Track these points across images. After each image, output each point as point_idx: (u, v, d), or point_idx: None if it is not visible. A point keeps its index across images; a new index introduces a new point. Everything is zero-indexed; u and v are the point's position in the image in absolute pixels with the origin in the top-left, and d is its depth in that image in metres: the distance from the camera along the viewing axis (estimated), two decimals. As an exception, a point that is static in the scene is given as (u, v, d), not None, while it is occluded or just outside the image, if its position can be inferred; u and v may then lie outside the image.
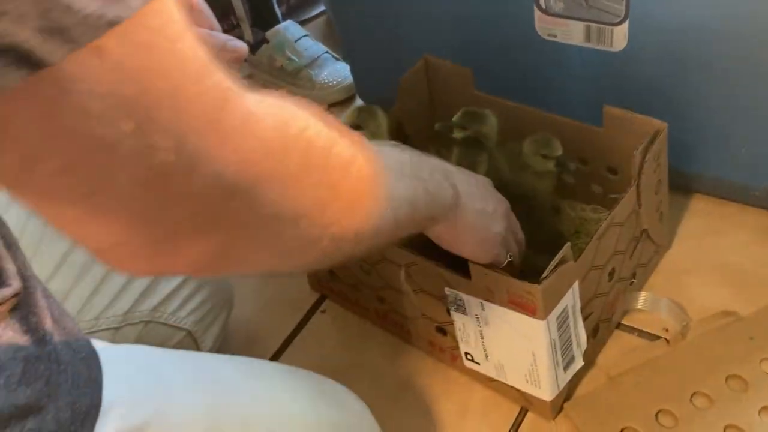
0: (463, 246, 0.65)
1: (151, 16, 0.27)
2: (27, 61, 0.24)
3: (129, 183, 0.29)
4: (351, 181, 0.41)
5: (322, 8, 1.50)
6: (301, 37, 1.31)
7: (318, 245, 0.40)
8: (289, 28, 1.31)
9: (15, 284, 0.41)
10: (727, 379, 0.76)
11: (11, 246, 0.44)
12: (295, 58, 1.29)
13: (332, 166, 0.39)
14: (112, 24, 0.25)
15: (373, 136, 0.91)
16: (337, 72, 1.28)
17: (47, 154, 0.27)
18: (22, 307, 0.42)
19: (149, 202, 0.31)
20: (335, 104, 1.28)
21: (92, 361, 0.45)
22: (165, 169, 0.29)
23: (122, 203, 0.30)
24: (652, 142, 0.78)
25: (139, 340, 0.70)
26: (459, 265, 0.71)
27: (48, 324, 0.43)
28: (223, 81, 0.31)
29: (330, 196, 0.39)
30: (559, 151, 0.84)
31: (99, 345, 0.48)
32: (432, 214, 0.58)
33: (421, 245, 0.87)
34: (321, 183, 0.39)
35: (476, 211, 0.62)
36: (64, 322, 0.45)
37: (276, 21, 1.33)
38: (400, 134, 0.99)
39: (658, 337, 0.83)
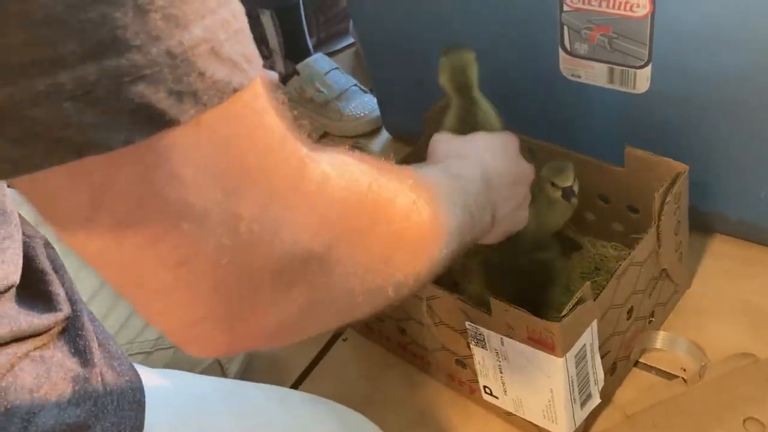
0: (494, 238, 0.67)
1: (245, 90, 0.28)
2: (158, 120, 0.25)
3: (215, 252, 0.29)
4: (413, 228, 0.41)
5: (351, 40, 1.54)
6: (330, 70, 1.34)
7: (382, 295, 0.40)
8: (318, 61, 1.35)
9: (65, 309, 0.43)
10: (744, 421, 0.76)
11: (59, 269, 0.46)
12: (324, 90, 1.32)
13: (397, 215, 0.40)
14: (236, 90, 0.27)
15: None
16: (365, 104, 1.31)
17: (140, 221, 0.27)
18: (71, 330, 0.43)
19: (233, 271, 0.30)
20: (362, 135, 1.31)
21: (135, 383, 0.47)
22: (250, 237, 0.30)
23: (208, 274, 0.30)
24: (672, 184, 0.79)
25: (169, 365, 0.72)
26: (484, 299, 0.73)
27: (94, 346, 0.44)
28: (300, 147, 0.32)
29: (395, 246, 0.40)
30: (568, 182, 0.83)
31: (138, 368, 0.49)
32: (475, 238, 0.58)
33: (443, 278, 0.89)
34: (387, 234, 0.39)
35: (511, 211, 0.64)
36: (108, 345, 0.47)
37: (307, 53, 1.37)
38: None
39: (676, 377, 0.83)
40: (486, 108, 0.85)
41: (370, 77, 1.26)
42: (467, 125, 0.82)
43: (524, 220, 0.72)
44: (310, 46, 1.39)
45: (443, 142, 0.70)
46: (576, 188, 0.84)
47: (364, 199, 0.37)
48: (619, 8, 0.83)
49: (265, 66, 0.52)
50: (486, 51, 1.00)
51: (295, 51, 1.37)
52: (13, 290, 0.41)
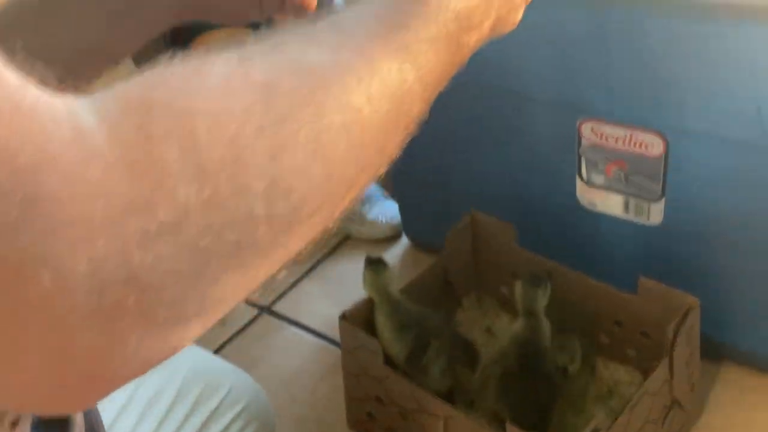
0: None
1: None
2: None
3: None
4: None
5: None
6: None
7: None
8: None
9: None
10: None
11: None
12: (348, 194, 1.38)
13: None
14: None
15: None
16: (387, 210, 1.36)
17: None
18: None
19: None
20: (381, 240, 1.35)
21: None
22: None
23: None
24: (684, 318, 0.82)
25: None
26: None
27: None
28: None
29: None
30: (574, 364, 0.90)
31: None
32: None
33: (460, 396, 0.92)
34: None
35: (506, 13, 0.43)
36: None
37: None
38: (443, 280, 1.06)
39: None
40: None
41: (393, 187, 1.31)
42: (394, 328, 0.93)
43: (515, 24, 0.48)
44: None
45: None
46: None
47: None
48: (634, 146, 0.88)
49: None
50: (507, 175, 1.05)
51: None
52: None
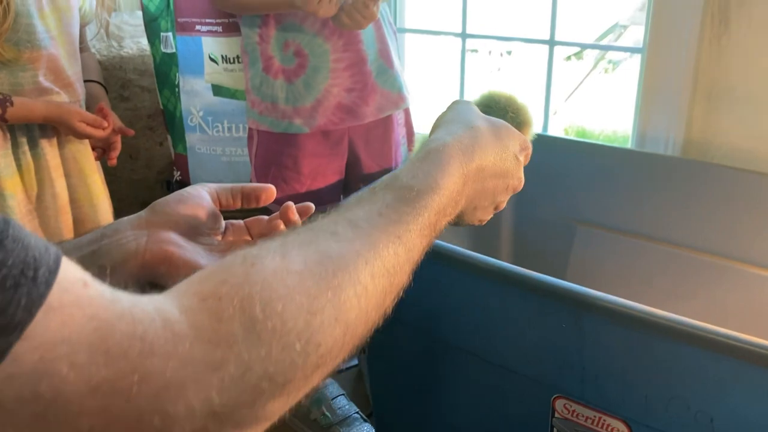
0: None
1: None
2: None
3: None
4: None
5: (355, 362, 1.70)
6: (337, 396, 1.48)
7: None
8: (328, 386, 1.49)
9: None
10: None
11: None
12: (328, 414, 1.45)
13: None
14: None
15: None
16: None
17: None
18: None
19: None
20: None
21: None
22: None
23: None
24: None
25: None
26: None
27: None
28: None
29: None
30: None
31: None
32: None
33: None
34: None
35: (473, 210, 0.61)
36: None
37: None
38: None
39: None
40: None
41: (373, 404, 1.39)
42: None
43: (481, 222, 0.64)
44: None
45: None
46: None
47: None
48: (601, 427, 0.99)
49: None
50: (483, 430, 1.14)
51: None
52: None
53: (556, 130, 5.62)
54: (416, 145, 0.65)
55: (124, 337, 0.34)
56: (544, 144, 1.60)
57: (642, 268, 1.53)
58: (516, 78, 7.04)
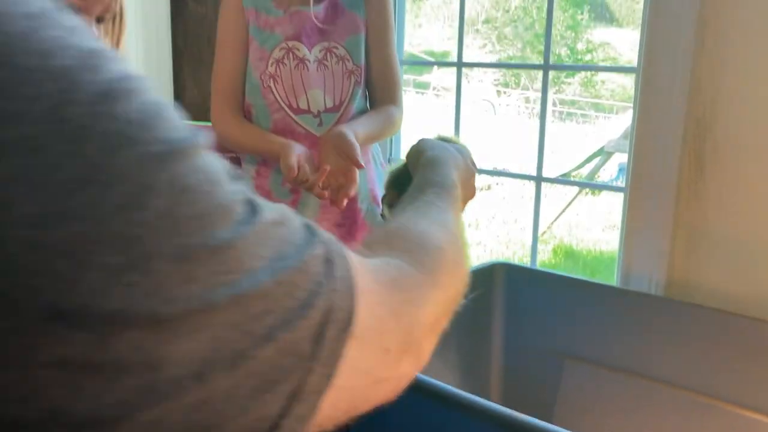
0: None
1: None
2: None
3: None
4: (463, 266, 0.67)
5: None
6: None
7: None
8: None
9: None
10: None
11: None
12: None
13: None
14: None
15: None
16: None
17: None
18: None
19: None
20: None
21: None
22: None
23: None
24: None
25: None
26: None
27: None
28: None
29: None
30: None
31: None
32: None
33: None
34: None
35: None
36: None
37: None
38: None
39: None
40: None
41: None
42: None
43: (473, 195, 0.99)
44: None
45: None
46: None
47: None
48: None
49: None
50: None
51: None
52: None
53: (545, 252, 5.71)
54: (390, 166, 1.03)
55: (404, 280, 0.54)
56: (533, 277, 1.66)
57: (629, 403, 1.55)
58: (502, 209, 7.22)
